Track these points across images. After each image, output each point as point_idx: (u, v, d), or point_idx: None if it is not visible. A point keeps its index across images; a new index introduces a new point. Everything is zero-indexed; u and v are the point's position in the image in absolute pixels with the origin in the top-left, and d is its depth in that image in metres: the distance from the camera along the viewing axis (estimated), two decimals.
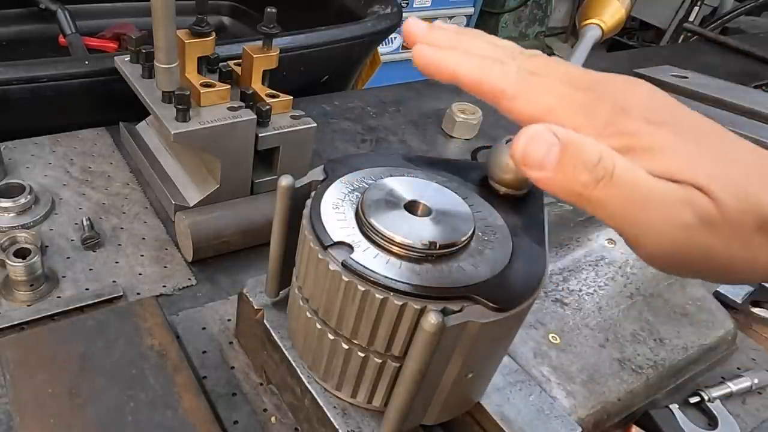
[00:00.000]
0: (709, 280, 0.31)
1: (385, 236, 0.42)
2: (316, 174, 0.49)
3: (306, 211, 0.46)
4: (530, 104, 0.32)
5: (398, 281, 0.40)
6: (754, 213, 0.27)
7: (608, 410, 0.57)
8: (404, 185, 0.46)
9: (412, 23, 0.35)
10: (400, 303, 0.40)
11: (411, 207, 0.45)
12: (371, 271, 0.40)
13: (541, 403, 0.51)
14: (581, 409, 0.55)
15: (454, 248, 0.42)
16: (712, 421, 0.64)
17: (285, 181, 0.47)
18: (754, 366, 0.71)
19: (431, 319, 0.37)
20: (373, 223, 0.43)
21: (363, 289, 0.40)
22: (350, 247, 0.42)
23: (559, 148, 0.28)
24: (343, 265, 0.41)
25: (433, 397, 0.45)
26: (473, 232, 0.44)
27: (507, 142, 0.50)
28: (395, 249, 0.42)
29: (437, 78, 0.34)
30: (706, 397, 0.65)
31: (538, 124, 0.29)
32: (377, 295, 0.40)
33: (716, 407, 0.64)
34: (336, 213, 0.45)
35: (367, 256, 0.42)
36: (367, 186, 0.47)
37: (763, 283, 0.79)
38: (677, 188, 0.28)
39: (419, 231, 0.42)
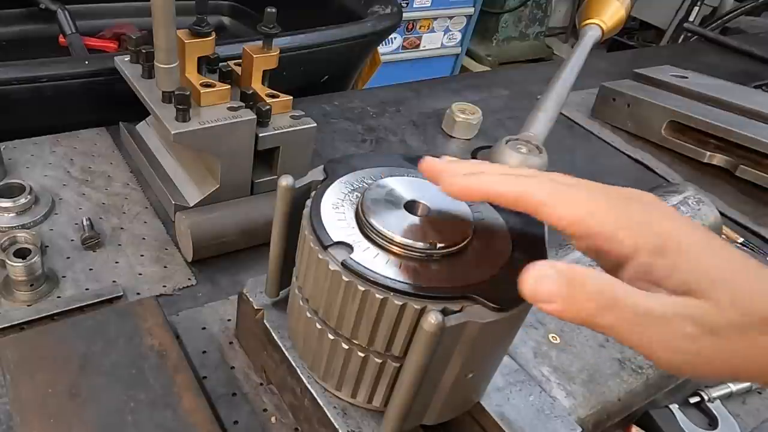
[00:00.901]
0: (735, 380, 0.33)
1: (385, 236, 0.42)
2: (316, 174, 0.49)
3: (306, 211, 0.46)
4: (571, 209, 0.35)
5: (398, 281, 0.40)
6: (752, 315, 0.29)
7: (608, 410, 0.57)
8: (404, 185, 0.46)
9: (429, 161, 0.40)
10: (400, 303, 0.40)
11: (411, 207, 0.45)
12: (371, 271, 0.40)
13: (541, 403, 0.51)
14: (581, 409, 0.55)
15: (454, 248, 0.42)
16: (713, 421, 0.64)
17: (285, 181, 0.47)
18: None
19: (431, 319, 0.37)
20: (373, 223, 0.43)
21: (363, 289, 0.40)
22: (350, 247, 0.42)
23: (566, 283, 0.31)
24: (343, 264, 0.41)
25: (433, 397, 0.45)
26: (473, 232, 0.44)
27: (507, 142, 0.50)
28: (395, 249, 0.42)
29: (475, 200, 0.39)
30: (706, 397, 0.65)
31: (542, 262, 0.33)
32: (377, 295, 0.40)
33: (716, 407, 0.64)
34: (336, 213, 0.45)
35: (367, 256, 0.42)
36: (367, 186, 0.47)
37: None
38: (675, 302, 0.30)
39: (419, 231, 0.42)
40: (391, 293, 0.40)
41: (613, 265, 0.35)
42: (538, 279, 0.32)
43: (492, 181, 0.37)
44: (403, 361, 0.42)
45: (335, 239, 0.42)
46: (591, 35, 0.65)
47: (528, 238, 0.46)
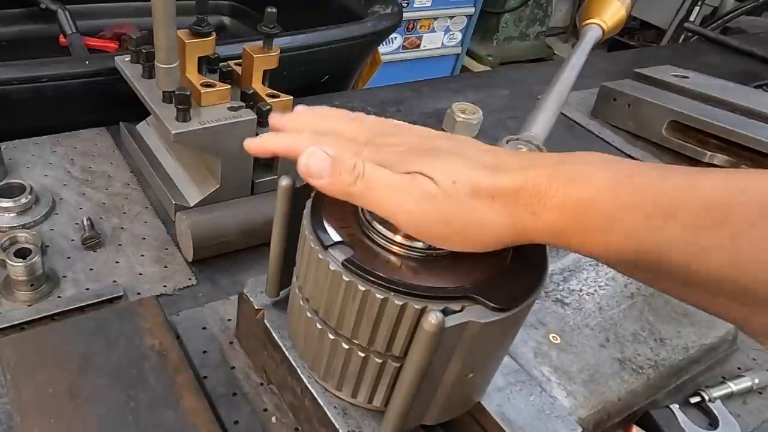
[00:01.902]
0: (457, 247, 0.40)
1: (385, 236, 0.42)
2: None
3: (306, 211, 0.46)
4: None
5: (398, 281, 0.40)
6: (462, 184, 0.38)
7: (609, 410, 0.57)
8: None
9: (273, 116, 0.49)
10: (401, 303, 0.40)
11: None
12: (371, 270, 0.40)
13: (542, 403, 0.51)
14: (582, 409, 0.55)
15: None
16: (713, 421, 0.64)
17: (285, 181, 0.47)
18: (755, 366, 0.71)
19: (432, 319, 0.37)
20: (374, 222, 0.43)
21: (363, 288, 0.40)
22: (350, 247, 0.42)
23: (329, 162, 0.41)
24: (344, 264, 0.41)
25: (433, 397, 0.45)
26: None
27: (507, 141, 0.50)
28: (395, 249, 0.42)
29: (261, 155, 0.50)
30: (706, 397, 0.65)
31: (314, 146, 0.41)
32: (377, 295, 0.40)
33: (717, 407, 0.64)
34: (336, 213, 0.45)
35: (367, 255, 0.42)
36: None
37: None
38: (407, 176, 0.40)
39: None
40: (392, 293, 0.40)
41: None
42: (309, 156, 0.41)
43: (274, 140, 0.47)
44: (403, 361, 0.42)
45: (335, 239, 0.42)
46: (591, 35, 0.65)
47: None
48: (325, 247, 0.42)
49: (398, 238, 0.42)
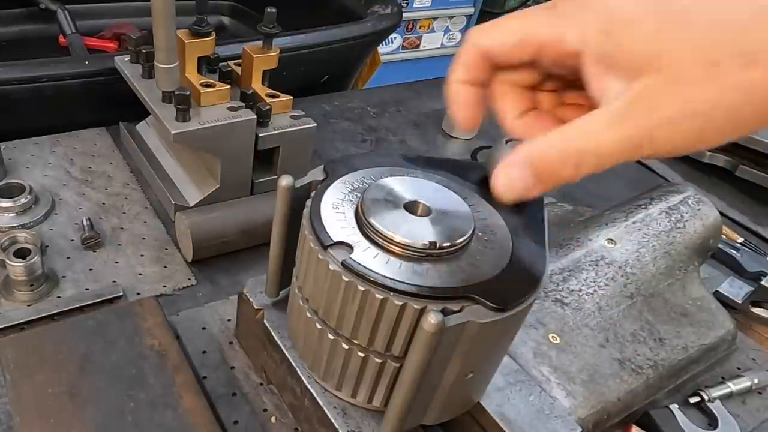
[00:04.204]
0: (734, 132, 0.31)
1: (385, 236, 0.42)
2: (316, 174, 0.49)
3: (306, 211, 0.46)
4: (503, 36, 0.37)
5: (398, 281, 0.40)
6: (722, 52, 0.29)
7: (608, 410, 0.57)
8: (404, 185, 0.46)
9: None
10: (400, 303, 0.40)
11: (411, 207, 0.45)
12: (371, 271, 0.40)
13: (541, 403, 0.51)
14: (581, 409, 0.55)
15: (454, 248, 0.42)
16: (712, 421, 0.64)
17: (285, 181, 0.47)
18: (754, 366, 0.71)
19: (431, 319, 0.37)
20: (373, 223, 0.43)
21: (363, 289, 0.40)
22: (350, 247, 0.42)
23: (529, 168, 0.33)
24: (343, 265, 0.41)
25: (433, 397, 0.45)
26: (473, 232, 0.44)
27: (507, 142, 0.50)
28: (395, 249, 0.42)
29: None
30: (706, 397, 0.65)
31: (503, 163, 0.34)
32: (377, 295, 0.40)
33: (716, 407, 0.64)
34: (336, 213, 0.45)
35: (367, 256, 0.42)
36: (366, 186, 0.47)
37: (762, 284, 0.79)
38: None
39: (419, 231, 0.42)
40: (391, 293, 0.40)
41: (576, 71, 0.34)
42: (507, 175, 0.34)
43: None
44: (403, 361, 0.42)
45: (335, 239, 0.42)
46: None
47: (528, 239, 0.46)
48: (325, 247, 0.42)
49: (398, 238, 0.42)
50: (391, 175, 0.48)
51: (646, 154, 0.32)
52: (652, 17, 0.31)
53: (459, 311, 0.40)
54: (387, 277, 0.40)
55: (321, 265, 0.43)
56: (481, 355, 0.43)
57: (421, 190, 0.46)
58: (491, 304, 0.39)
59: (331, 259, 0.42)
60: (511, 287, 0.41)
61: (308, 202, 0.46)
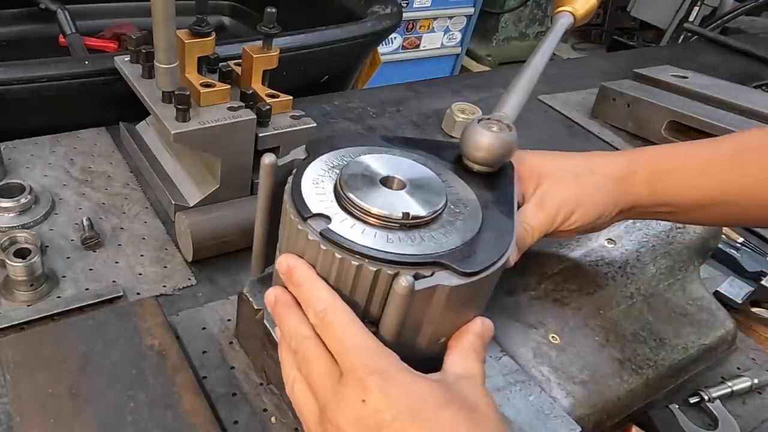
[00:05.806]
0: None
1: (361, 208, 0.44)
2: (298, 153, 0.51)
3: (288, 187, 0.47)
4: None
5: (373, 249, 0.42)
6: (585, 166, 0.58)
7: (608, 410, 0.57)
8: (381, 162, 0.48)
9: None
10: (374, 269, 0.41)
11: (387, 181, 0.47)
12: (347, 239, 0.42)
13: (541, 403, 0.51)
14: (581, 409, 0.55)
15: (426, 218, 0.44)
16: (712, 421, 0.64)
17: (268, 159, 0.49)
18: (754, 366, 0.71)
19: (402, 282, 0.39)
20: (350, 195, 0.44)
21: (339, 256, 0.42)
22: (328, 219, 0.44)
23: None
24: (321, 234, 0.43)
25: (411, 363, 0.45)
26: (445, 204, 0.46)
27: (479, 121, 0.52)
28: (371, 220, 0.44)
29: None
30: (706, 397, 0.65)
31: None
32: (353, 262, 0.42)
33: (716, 407, 0.64)
34: (316, 188, 0.46)
35: (344, 226, 0.43)
36: (345, 163, 0.48)
37: (762, 284, 0.79)
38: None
39: (394, 203, 0.44)
40: (366, 260, 0.42)
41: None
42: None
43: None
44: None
45: (314, 211, 0.44)
46: (563, 23, 0.67)
47: (497, 211, 0.48)
48: (305, 219, 0.44)
49: (374, 210, 0.44)
50: (369, 154, 0.50)
51: (561, 227, 0.55)
52: (551, 158, 0.58)
53: (430, 276, 0.41)
54: (362, 245, 0.42)
55: (301, 236, 0.44)
56: (451, 319, 0.45)
57: (398, 166, 0.48)
58: (460, 270, 0.41)
59: (310, 230, 0.44)
60: (479, 255, 0.44)
61: (290, 179, 0.48)
